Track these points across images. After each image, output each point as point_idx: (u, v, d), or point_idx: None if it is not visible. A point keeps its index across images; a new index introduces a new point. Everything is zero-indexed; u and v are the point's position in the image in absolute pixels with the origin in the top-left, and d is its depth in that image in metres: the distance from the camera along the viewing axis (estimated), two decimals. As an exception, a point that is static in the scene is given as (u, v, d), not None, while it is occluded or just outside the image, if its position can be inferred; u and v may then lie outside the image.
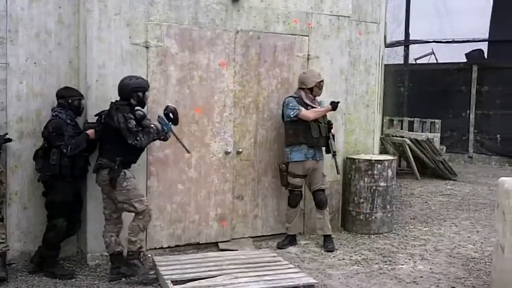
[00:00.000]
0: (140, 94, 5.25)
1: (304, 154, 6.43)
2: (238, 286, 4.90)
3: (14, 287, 5.10)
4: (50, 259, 5.38)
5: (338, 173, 6.83)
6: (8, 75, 5.49)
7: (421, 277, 5.70)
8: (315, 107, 6.44)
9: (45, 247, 5.39)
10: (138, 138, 5.04)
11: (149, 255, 5.83)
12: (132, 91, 5.22)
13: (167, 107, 5.42)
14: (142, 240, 5.30)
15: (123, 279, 5.26)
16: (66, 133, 5.25)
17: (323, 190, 6.58)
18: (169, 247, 6.14)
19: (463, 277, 5.70)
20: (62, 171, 5.26)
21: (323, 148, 6.58)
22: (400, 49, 16.58)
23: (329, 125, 6.58)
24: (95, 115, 5.42)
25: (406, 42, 16.37)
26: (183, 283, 4.94)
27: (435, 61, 17.03)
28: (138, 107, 5.28)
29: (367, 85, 7.74)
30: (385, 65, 14.25)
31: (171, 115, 5.35)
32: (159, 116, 5.38)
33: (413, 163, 12.14)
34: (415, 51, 17.22)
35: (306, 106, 6.40)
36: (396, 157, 8.49)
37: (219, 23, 6.23)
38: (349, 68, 7.35)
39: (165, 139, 5.47)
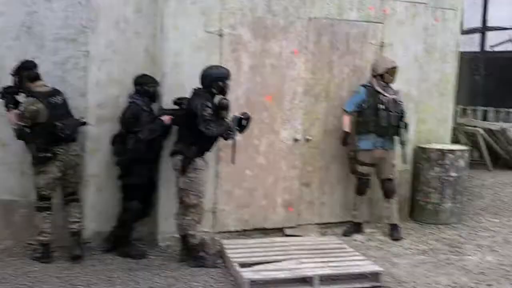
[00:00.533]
0: (221, 83, 5.37)
1: (372, 143, 6.43)
2: (304, 271, 5.03)
3: (90, 265, 5.40)
4: (124, 239, 5.65)
5: (404, 162, 6.73)
6: (89, 62, 5.75)
7: (490, 268, 5.65)
8: (386, 96, 6.41)
9: (119, 228, 5.66)
10: (208, 127, 5.14)
11: (217, 238, 6.03)
12: (213, 81, 5.36)
13: (245, 113, 5.48)
14: (200, 231, 5.48)
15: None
16: (142, 119, 5.48)
17: (391, 180, 6.57)
18: (236, 231, 6.31)
19: (534, 271, 5.60)
20: (138, 155, 5.49)
21: (397, 138, 6.54)
22: (477, 36, 16.12)
23: (401, 114, 6.53)
24: (176, 101, 5.59)
25: (483, 29, 15.89)
26: (250, 266, 5.10)
27: (513, 49, 16.49)
28: (225, 97, 5.41)
29: (442, 73, 7.61)
30: (460, 52, 13.93)
31: (243, 122, 5.42)
32: (234, 116, 5.44)
33: (486, 154, 11.82)
34: (493, 38, 16.70)
35: (377, 93, 6.39)
36: (469, 147, 8.32)
37: (292, 11, 6.29)
38: (424, 55, 7.25)
39: (226, 139, 5.49)
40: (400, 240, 6.47)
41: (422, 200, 7.27)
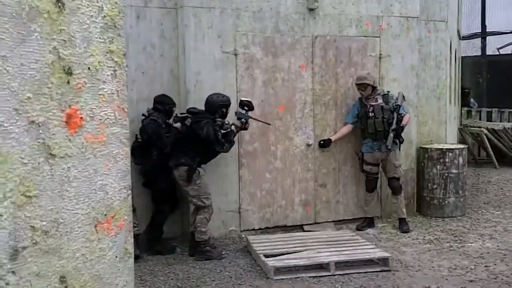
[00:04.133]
0: (224, 109, 6.13)
1: (370, 147, 7.15)
2: (320, 258, 5.67)
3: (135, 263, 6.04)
4: (157, 238, 6.29)
5: (395, 171, 7.23)
6: (122, 83, 6.46)
7: (488, 253, 6.23)
8: (372, 104, 7.05)
9: (154, 229, 6.29)
10: (224, 147, 6.00)
11: (243, 236, 6.70)
12: (218, 107, 6.09)
13: (240, 101, 6.22)
14: (209, 229, 6.16)
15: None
16: (162, 134, 6.12)
17: (397, 178, 7.22)
18: (260, 228, 6.97)
19: (529, 253, 6.18)
20: (162, 164, 6.14)
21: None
22: (477, 41, 16.70)
23: (389, 119, 7.00)
24: (178, 117, 6.24)
25: (483, 34, 16.48)
26: (273, 257, 5.76)
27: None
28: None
29: (438, 79, 8.28)
30: (462, 57, 14.53)
31: (245, 108, 6.17)
32: (236, 112, 6.21)
33: (491, 152, 12.39)
34: (497, 41, 17.27)
35: (364, 104, 7.11)
36: (467, 146, 8.92)
37: (297, 30, 7.00)
38: (420, 64, 7.92)
39: (245, 129, 6.26)
40: (408, 232, 7.09)
41: (427, 196, 7.90)
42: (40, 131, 1.39)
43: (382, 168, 7.25)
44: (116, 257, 1.64)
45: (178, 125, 6.24)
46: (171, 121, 6.35)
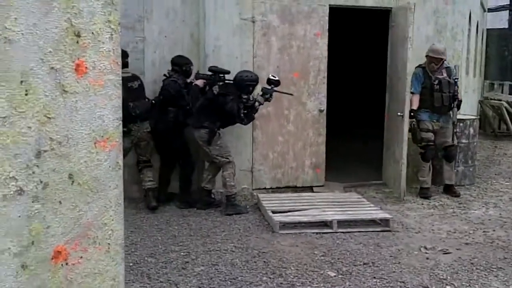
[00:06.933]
0: (251, 88, 6.47)
1: (429, 116, 7.33)
2: (324, 216, 6.02)
3: (149, 212, 6.50)
4: (186, 190, 6.70)
5: (452, 140, 7.50)
6: (145, 46, 6.85)
7: (489, 220, 6.46)
8: (438, 77, 7.25)
9: (184, 182, 6.68)
10: (244, 122, 6.47)
11: (254, 194, 7.08)
12: (246, 86, 6.43)
13: (268, 79, 6.50)
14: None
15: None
16: (184, 93, 6.48)
17: (454, 146, 7.51)
18: (271, 188, 7.32)
19: (529, 222, 6.40)
20: (178, 123, 6.51)
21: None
22: (505, 14, 16.54)
23: (453, 95, 7.25)
24: (211, 68, 6.53)
25: (511, 6, 16.31)
26: (281, 213, 6.12)
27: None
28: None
29: (453, 51, 8.38)
30: (488, 29, 14.49)
31: (272, 85, 6.49)
32: (262, 88, 6.53)
33: (510, 125, 12.48)
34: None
35: (429, 77, 7.27)
36: (478, 117, 9.09)
37: (315, -1, 7.22)
38: (435, 35, 8.06)
39: (269, 101, 6.59)
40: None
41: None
42: (57, 74, 2.01)
43: (438, 137, 7.44)
44: (109, 166, 2.25)
45: (199, 82, 6.53)
46: (191, 78, 6.65)
